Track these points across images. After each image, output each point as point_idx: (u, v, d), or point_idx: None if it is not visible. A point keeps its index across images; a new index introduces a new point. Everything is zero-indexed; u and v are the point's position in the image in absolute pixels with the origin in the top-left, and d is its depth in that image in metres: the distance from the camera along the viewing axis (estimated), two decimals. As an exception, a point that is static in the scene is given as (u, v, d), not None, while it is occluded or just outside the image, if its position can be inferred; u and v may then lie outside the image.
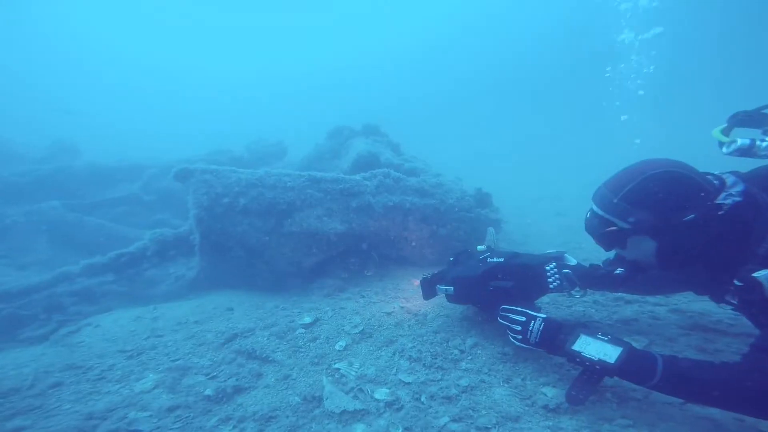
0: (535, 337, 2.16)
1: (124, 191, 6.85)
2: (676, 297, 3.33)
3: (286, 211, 4.36)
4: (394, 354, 2.70)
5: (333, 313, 3.53)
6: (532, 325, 2.21)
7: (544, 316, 2.24)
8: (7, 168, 7.03)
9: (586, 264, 2.71)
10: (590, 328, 2.17)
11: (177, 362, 2.63)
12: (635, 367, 1.82)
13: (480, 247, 3.14)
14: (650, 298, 3.33)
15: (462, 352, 2.63)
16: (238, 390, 2.40)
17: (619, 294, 3.49)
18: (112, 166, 7.66)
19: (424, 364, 2.46)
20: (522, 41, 40.99)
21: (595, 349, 1.95)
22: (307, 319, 3.37)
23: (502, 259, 2.72)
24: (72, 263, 4.13)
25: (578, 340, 2.03)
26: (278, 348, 2.95)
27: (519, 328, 2.28)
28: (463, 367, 2.40)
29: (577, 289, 2.66)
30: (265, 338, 3.08)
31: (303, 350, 2.92)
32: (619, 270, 2.24)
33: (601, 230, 2.09)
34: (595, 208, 2.13)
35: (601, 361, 1.88)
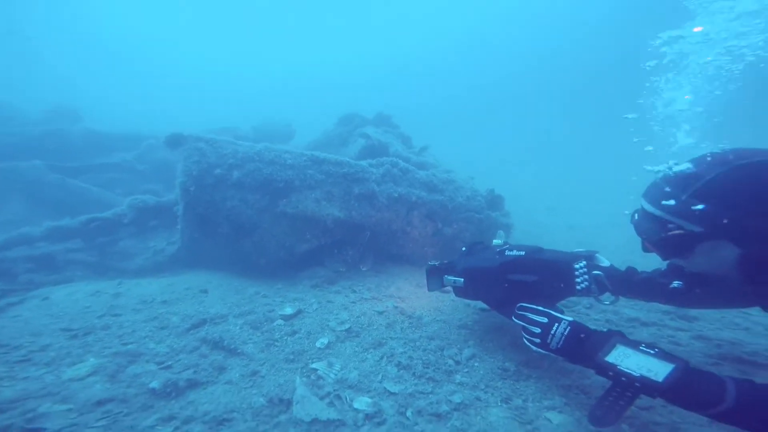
0: (558, 343, 1.83)
1: (117, 158, 6.52)
2: (699, 322, 2.97)
3: (282, 189, 4.00)
4: (381, 358, 2.35)
5: (318, 306, 3.17)
6: (555, 328, 1.87)
7: (570, 318, 1.90)
8: (1, 128, 6.71)
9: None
10: (628, 338, 1.78)
11: (128, 347, 2.27)
12: (693, 389, 1.45)
13: (496, 241, 2.76)
14: (670, 321, 2.97)
15: (457, 363, 2.32)
16: (192, 384, 2.04)
17: (635, 315, 3.13)
18: (110, 133, 7.36)
19: (413, 373, 2.22)
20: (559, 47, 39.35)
21: (637, 363, 1.59)
22: (289, 310, 3.00)
23: (523, 253, 2.35)
24: (37, 225, 3.75)
25: (614, 351, 1.68)
26: (250, 339, 2.59)
27: (538, 330, 1.93)
28: (458, 381, 2.15)
29: (607, 294, 2.28)
30: (238, 327, 2.72)
31: (278, 344, 2.56)
32: (676, 283, 1.87)
33: (660, 234, 1.73)
34: (648, 206, 1.77)
35: (643, 378, 1.52)
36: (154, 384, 1.95)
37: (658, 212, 1.74)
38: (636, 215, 1.97)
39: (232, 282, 3.59)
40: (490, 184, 5.51)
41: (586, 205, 12.48)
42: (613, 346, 1.70)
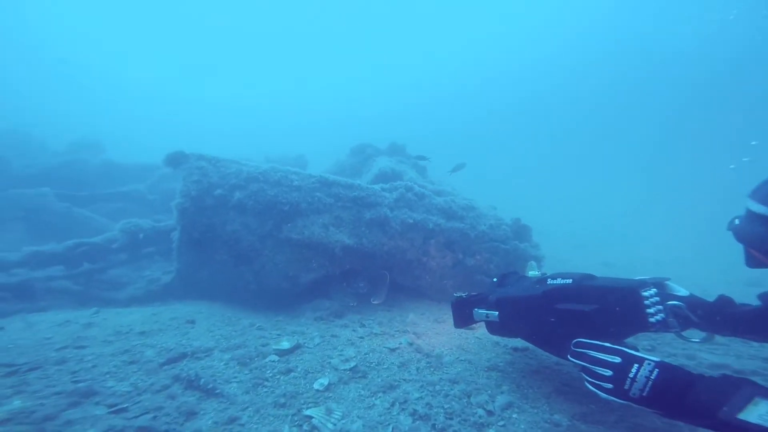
0: (643, 389, 1.39)
1: (127, 188, 6.47)
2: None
3: (287, 213, 3.69)
4: (392, 405, 1.88)
5: (321, 341, 2.71)
6: (635, 370, 1.43)
7: (656, 359, 1.44)
8: (22, 160, 6.86)
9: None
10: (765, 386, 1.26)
11: (80, 384, 1.85)
12: None
13: (532, 273, 2.31)
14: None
15: (490, 413, 1.85)
16: (146, 433, 1.57)
17: (720, 361, 2.48)
18: (128, 164, 7.43)
19: (433, 426, 1.77)
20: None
21: None
22: (285, 345, 2.56)
23: (570, 281, 1.91)
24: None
25: (752, 406, 1.18)
26: (235, 378, 2.14)
27: (609, 373, 1.50)
28: None
29: (692, 330, 1.77)
30: (222, 363, 2.29)
31: (268, 384, 2.11)
32: None
33: None
34: (760, 208, 1.44)
35: None
36: (90, 433, 1.50)
37: None
38: (737, 220, 1.62)
39: (226, 313, 3.18)
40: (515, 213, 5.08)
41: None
42: (750, 400, 1.20)
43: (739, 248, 1.67)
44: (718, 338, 1.81)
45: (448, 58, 48.49)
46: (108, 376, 1.99)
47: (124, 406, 1.72)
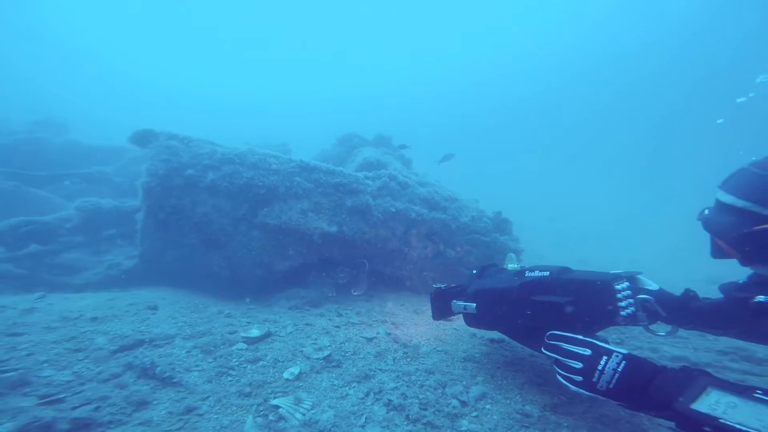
0: (609, 382, 1.37)
1: (92, 169, 6.04)
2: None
3: (264, 197, 3.52)
4: (367, 395, 1.78)
5: (294, 329, 2.58)
6: (603, 362, 1.40)
7: (624, 351, 1.41)
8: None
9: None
10: (720, 379, 1.23)
11: (7, 374, 1.63)
12: None
13: (511, 266, 2.25)
14: (731, 363, 2.36)
15: (463, 404, 1.80)
16: (82, 427, 1.39)
17: (680, 353, 2.53)
18: (96, 145, 6.97)
19: (407, 416, 1.69)
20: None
21: (752, 415, 1.07)
22: (255, 333, 2.40)
23: (547, 273, 1.88)
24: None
25: (705, 396, 1.18)
26: (197, 366, 1.98)
27: (579, 365, 1.46)
28: (465, 428, 1.63)
29: (659, 324, 1.79)
30: (184, 351, 2.12)
31: (233, 373, 1.96)
32: (761, 298, 1.37)
33: (742, 229, 1.39)
34: (727, 197, 1.45)
35: None
36: (5, 428, 1.32)
37: (741, 203, 1.40)
38: (706, 211, 1.63)
39: (193, 299, 2.99)
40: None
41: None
42: (703, 390, 1.20)
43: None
44: (681, 331, 1.82)
45: (441, 54, 48.46)
46: (46, 364, 1.78)
47: (60, 396, 1.53)
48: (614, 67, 36.22)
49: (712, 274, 6.92)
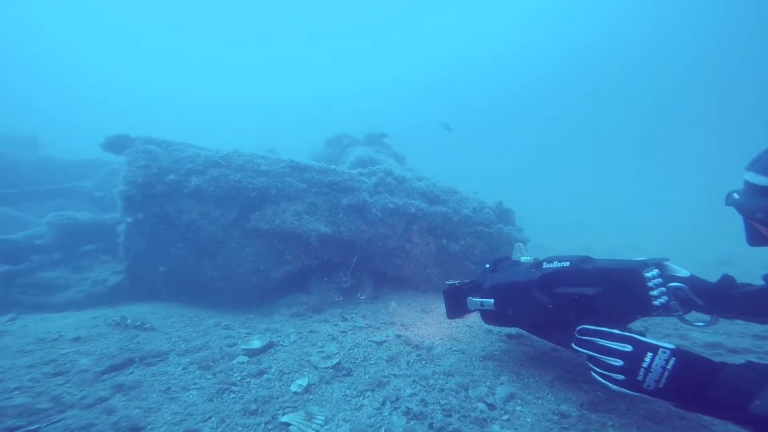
0: (658, 381, 1.22)
1: (68, 184, 5.73)
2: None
3: (254, 200, 3.34)
4: (383, 404, 1.62)
5: (298, 338, 2.40)
6: (649, 359, 1.25)
7: (671, 346, 1.26)
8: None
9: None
10: None
11: None
12: None
13: (524, 258, 2.12)
14: None
15: (491, 407, 1.63)
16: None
17: (714, 340, 2.35)
18: (72, 160, 6.62)
19: (431, 425, 1.52)
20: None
21: None
22: (256, 344, 2.22)
23: (567, 264, 1.74)
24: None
25: None
26: (195, 384, 1.80)
27: (620, 363, 1.32)
28: None
29: (694, 313, 1.64)
30: (180, 369, 1.93)
31: (236, 389, 1.78)
32: None
33: None
34: (761, 179, 1.31)
35: None
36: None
37: None
38: (735, 194, 1.49)
39: (186, 313, 2.79)
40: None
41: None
42: None
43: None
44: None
45: (435, 50, 48.54)
46: (17, 392, 1.58)
47: (32, 428, 1.34)
48: (601, 60, 36.74)
49: (720, 256, 6.87)
